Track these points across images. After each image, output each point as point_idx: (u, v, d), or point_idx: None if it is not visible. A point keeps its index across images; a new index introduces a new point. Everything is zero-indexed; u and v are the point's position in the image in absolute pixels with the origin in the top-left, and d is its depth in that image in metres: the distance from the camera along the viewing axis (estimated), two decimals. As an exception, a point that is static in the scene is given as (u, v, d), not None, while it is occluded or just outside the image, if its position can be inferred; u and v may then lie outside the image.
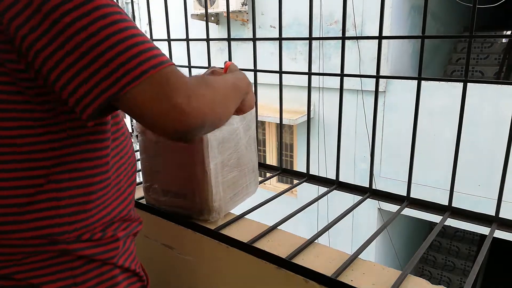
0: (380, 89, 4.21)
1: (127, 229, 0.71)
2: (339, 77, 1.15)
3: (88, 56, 0.50)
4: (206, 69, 0.94)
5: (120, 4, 5.61)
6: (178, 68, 0.57)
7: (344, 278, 0.80)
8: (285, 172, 1.37)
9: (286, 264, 0.85)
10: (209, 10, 4.93)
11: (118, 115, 0.70)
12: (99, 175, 0.63)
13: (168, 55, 1.54)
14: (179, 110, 0.52)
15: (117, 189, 0.67)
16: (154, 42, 1.59)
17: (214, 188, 0.96)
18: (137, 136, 0.99)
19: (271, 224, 1.02)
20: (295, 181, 1.30)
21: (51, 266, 0.60)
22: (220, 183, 0.98)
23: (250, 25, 5.12)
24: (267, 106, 4.53)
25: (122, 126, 0.71)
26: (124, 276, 0.68)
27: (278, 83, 1.31)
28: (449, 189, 1.03)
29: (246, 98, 0.76)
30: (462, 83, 0.94)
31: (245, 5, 4.98)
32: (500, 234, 0.95)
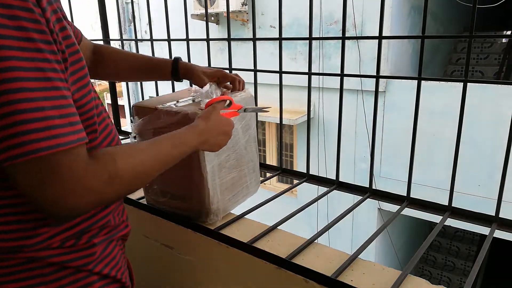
0: (380, 89, 4.20)
1: (108, 234, 0.68)
2: (339, 77, 1.15)
3: None
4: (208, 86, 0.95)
5: (120, 4, 5.60)
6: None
7: (344, 278, 0.80)
8: (285, 172, 1.37)
9: (286, 264, 0.85)
10: (209, 10, 4.93)
11: (105, 119, 0.67)
12: None
13: (168, 55, 1.54)
14: (61, 203, 0.51)
15: None
16: (154, 43, 1.60)
17: (211, 191, 0.96)
18: (134, 137, 0.99)
19: (271, 224, 1.02)
20: (295, 181, 1.30)
21: (20, 272, 0.59)
22: (218, 185, 0.98)
23: (250, 25, 5.12)
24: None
25: (108, 131, 0.68)
26: (103, 283, 0.66)
27: (278, 83, 1.31)
28: (449, 189, 1.03)
29: (205, 146, 0.77)
30: (462, 83, 0.94)
31: (245, 5, 4.97)
32: (500, 234, 0.95)
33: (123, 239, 0.74)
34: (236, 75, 1.04)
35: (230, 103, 0.89)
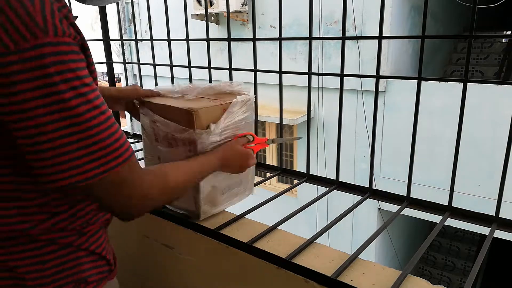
0: (380, 89, 4.20)
1: (96, 217, 0.75)
2: (339, 77, 1.15)
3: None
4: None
5: (120, 4, 5.61)
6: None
7: (344, 278, 0.80)
8: (285, 172, 1.37)
9: (286, 264, 0.85)
10: (209, 10, 4.93)
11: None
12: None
13: (168, 55, 1.54)
14: (128, 208, 0.64)
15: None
16: (154, 43, 1.60)
17: (202, 189, 0.96)
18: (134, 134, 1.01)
19: (271, 224, 1.02)
20: (295, 181, 1.30)
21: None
22: (210, 185, 0.98)
23: (250, 25, 5.12)
24: (267, 106, 4.53)
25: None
26: (90, 259, 0.73)
27: (278, 83, 1.31)
28: (449, 189, 1.03)
29: (226, 170, 0.93)
30: (462, 83, 0.94)
31: (245, 5, 4.97)
32: (500, 234, 0.95)
33: (106, 224, 0.81)
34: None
35: (253, 138, 0.99)
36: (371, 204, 4.68)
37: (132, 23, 4.32)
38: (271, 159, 5.54)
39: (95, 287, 0.74)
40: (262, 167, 1.41)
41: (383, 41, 1.04)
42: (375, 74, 1.08)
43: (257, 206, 1.13)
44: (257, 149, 1.00)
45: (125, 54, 6.28)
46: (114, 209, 0.64)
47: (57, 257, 0.68)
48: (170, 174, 0.72)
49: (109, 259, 0.78)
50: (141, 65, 1.73)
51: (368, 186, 1.16)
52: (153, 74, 1.66)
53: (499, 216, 0.96)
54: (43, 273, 0.66)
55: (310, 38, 1.17)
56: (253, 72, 1.34)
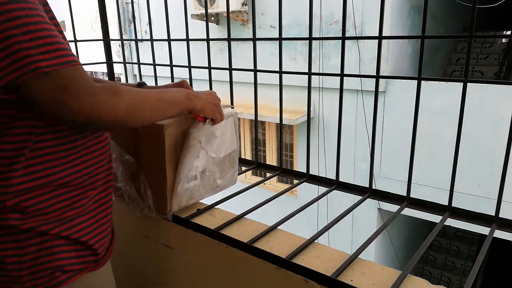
0: (380, 89, 4.21)
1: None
2: (339, 77, 1.15)
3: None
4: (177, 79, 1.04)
5: (120, 4, 5.61)
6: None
7: (344, 278, 0.80)
8: (285, 172, 1.37)
9: (286, 264, 0.85)
10: (209, 10, 4.93)
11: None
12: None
13: (168, 55, 1.54)
14: (69, 109, 0.63)
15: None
16: (154, 43, 1.60)
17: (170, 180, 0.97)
18: None
19: (271, 224, 1.02)
20: (295, 181, 1.30)
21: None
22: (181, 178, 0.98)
23: (250, 25, 5.12)
24: (267, 106, 4.53)
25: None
26: (71, 248, 0.74)
27: (278, 83, 1.31)
28: (449, 189, 1.03)
29: (196, 108, 0.90)
30: (462, 83, 0.94)
31: (245, 5, 4.97)
32: (500, 234, 0.95)
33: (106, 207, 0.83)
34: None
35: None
36: (371, 204, 4.68)
37: (132, 23, 4.32)
38: (271, 159, 5.54)
39: (73, 276, 0.74)
40: (262, 167, 1.42)
41: (383, 41, 1.04)
42: (375, 74, 1.08)
43: (257, 206, 1.13)
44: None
45: (125, 54, 6.28)
46: (61, 109, 0.63)
47: (33, 244, 0.70)
48: (123, 87, 0.72)
49: (96, 249, 0.77)
50: (141, 65, 1.73)
51: (368, 186, 1.16)
52: (153, 74, 1.66)
53: (499, 216, 0.96)
54: (20, 258, 0.69)
55: (310, 38, 1.17)
56: (253, 72, 1.34)
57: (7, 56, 0.59)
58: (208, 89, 1.14)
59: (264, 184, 4.16)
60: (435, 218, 1.02)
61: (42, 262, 0.71)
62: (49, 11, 0.67)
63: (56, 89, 0.61)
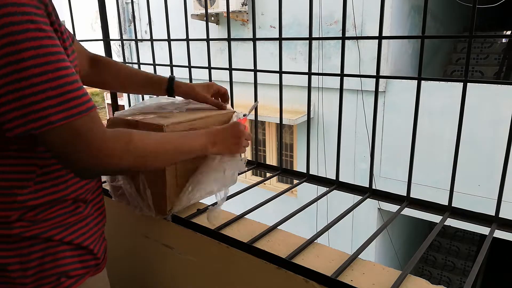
0: (380, 89, 4.21)
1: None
2: (339, 77, 1.15)
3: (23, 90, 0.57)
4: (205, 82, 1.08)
5: (120, 4, 5.60)
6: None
7: (344, 278, 0.80)
8: (285, 172, 1.37)
9: (286, 264, 0.85)
10: (209, 10, 4.93)
11: None
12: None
13: (168, 55, 1.54)
14: (86, 160, 0.62)
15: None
16: (154, 43, 1.60)
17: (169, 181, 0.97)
18: None
19: (271, 224, 1.02)
20: (295, 181, 1.30)
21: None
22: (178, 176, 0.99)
23: (250, 25, 5.12)
24: (267, 106, 4.53)
25: None
26: (75, 253, 0.74)
27: (278, 83, 1.31)
28: (449, 189, 1.03)
29: (215, 148, 0.89)
30: (462, 83, 0.94)
31: (245, 5, 4.97)
32: (500, 234, 0.95)
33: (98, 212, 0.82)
34: (222, 87, 1.17)
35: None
36: (371, 204, 4.68)
37: (132, 23, 4.32)
38: (271, 159, 5.54)
39: (77, 280, 0.74)
40: (262, 167, 1.42)
41: (383, 41, 1.04)
42: (375, 74, 1.08)
43: (257, 206, 1.13)
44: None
45: (125, 54, 6.28)
46: (71, 160, 0.62)
47: (37, 250, 0.69)
48: (136, 135, 0.70)
49: (96, 253, 0.78)
50: (141, 65, 1.73)
51: (368, 186, 1.16)
52: (153, 74, 1.66)
53: (499, 216, 0.96)
54: (24, 265, 0.68)
55: (310, 38, 1.17)
56: (253, 72, 1.34)
57: (19, 108, 0.57)
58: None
59: (264, 184, 4.15)
60: (435, 218, 1.02)
61: (47, 268, 0.70)
62: (56, 17, 0.64)
63: (67, 143, 0.60)
